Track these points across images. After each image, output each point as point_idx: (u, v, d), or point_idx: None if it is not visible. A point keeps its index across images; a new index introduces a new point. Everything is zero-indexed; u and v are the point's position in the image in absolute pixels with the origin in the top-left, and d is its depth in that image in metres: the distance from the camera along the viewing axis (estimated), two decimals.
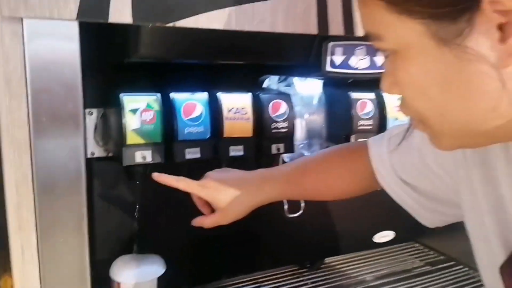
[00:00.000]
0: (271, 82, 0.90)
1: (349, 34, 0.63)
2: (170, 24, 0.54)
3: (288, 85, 0.90)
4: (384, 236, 1.12)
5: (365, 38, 0.45)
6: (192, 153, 0.75)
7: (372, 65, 0.75)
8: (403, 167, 0.62)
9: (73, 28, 0.52)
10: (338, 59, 0.72)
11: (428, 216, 0.63)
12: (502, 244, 0.48)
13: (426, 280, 1.05)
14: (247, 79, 0.84)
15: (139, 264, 0.76)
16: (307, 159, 0.75)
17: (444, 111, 0.41)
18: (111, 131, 0.72)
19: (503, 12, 0.35)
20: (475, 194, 0.51)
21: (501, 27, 0.36)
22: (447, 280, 1.05)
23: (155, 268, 0.76)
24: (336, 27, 0.62)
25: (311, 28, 0.60)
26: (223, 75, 0.80)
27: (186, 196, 0.74)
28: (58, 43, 0.52)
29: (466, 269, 1.09)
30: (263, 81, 0.88)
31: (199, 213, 0.81)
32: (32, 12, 0.49)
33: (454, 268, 1.10)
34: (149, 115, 0.71)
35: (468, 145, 0.47)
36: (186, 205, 0.87)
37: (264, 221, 0.96)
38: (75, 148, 0.55)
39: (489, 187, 0.49)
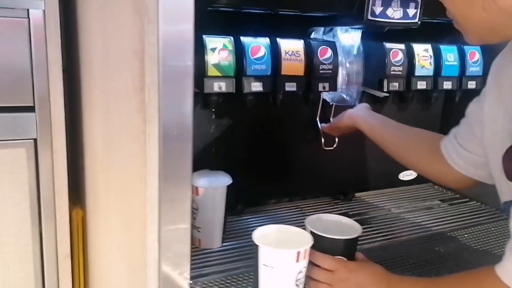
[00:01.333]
0: (316, 34, 1.07)
1: None
2: None
3: (332, 37, 1.06)
4: (408, 175, 1.29)
5: None
6: (256, 87, 0.93)
7: (405, 15, 0.91)
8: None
9: None
10: (378, 9, 0.88)
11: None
12: None
13: (442, 212, 1.21)
14: (299, 29, 1.01)
15: (212, 175, 0.95)
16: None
17: (461, 13, 0.62)
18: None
19: None
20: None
21: None
22: (461, 212, 1.22)
23: (225, 179, 0.94)
24: None
25: None
26: (281, 26, 0.97)
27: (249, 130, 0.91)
28: None
29: (479, 203, 1.25)
30: (311, 33, 1.05)
31: (258, 141, 1.02)
32: None
33: (468, 203, 1.27)
34: (224, 54, 0.89)
35: (492, 40, 0.65)
36: (251, 135, 1.06)
37: (305, 154, 1.14)
38: None
39: None
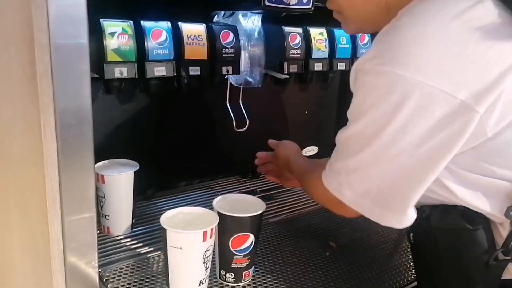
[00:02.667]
0: (218, 17, 1.08)
1: None
2: None
3: (233, 21, 1.08)
4: (310, 150, 1.37)
5: None
6: (160, 71, 0.93)
7: (299, 2, 0.96)
8: None
9: None
10: None
11: None
12: None
13: None
14: (200, 13, 1.02)
15: (119, 163, 0.95)
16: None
17: (355, 3, 0.69)
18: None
19: None
20: None
21: None
22: None
23: (131, 166, 0.94)
24: None
25: None
26: (182, 9, 0.97)
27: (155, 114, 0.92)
28: None
29: None
30: (213, 17, 1.06)
31: (166, 126, 1.02)
32: None
33: None
34: (124, 38, 0.87)
35: (367, 30, 0.73)
36: (158, 120, 1.06)
37: (213, 136, 1.17)
38: None
39: None
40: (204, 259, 0.73)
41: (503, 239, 0.60)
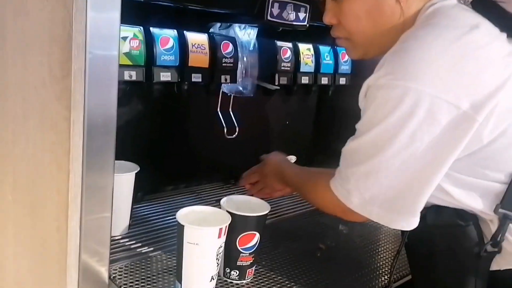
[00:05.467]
0: (214, 29, 1.13)
1: None
2: None
3: (228, 32, 1.14)
4: (290, 159, 1.44)
5: None
6: (165, 76, 0.96)
7: (297, 18, 1.04)
8: None
9: None
10: (275, 11, 0.99)
11: None
12: None
13: None
14: (200, 23, 1.07)
15: (119, 164, 0.96)
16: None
17: (365, 29, 0.75)
18: None
19: None
20: None
21: None
22: None
23: (132, 167, 0.96)
24: None
25: None
26: (185, 18, 1.01)
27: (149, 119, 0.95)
28: None
29: None
30: (210, 27, 1.11)
31: (157, 130, 1.04)
32: None
33: None
34: (135, 43, 0.90)
35: (371, 54, 0.79)
36: (150, 123, 1.08)
37: (201, 142, 1.21)
38: None
39: None
40: (217, 255, 0.77)
41: (491, 233, 0.69)
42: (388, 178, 0.67)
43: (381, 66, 0.68)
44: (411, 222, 0.68)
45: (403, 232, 0.75)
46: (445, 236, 0.71)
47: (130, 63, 0.90)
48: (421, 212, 0.70)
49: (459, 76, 0.63)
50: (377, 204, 0.68)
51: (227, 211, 0.81)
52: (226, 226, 0.77)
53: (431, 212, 0.72)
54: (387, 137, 0.66)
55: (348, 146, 0.72)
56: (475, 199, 0.68)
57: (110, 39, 0.67)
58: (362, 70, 0.89)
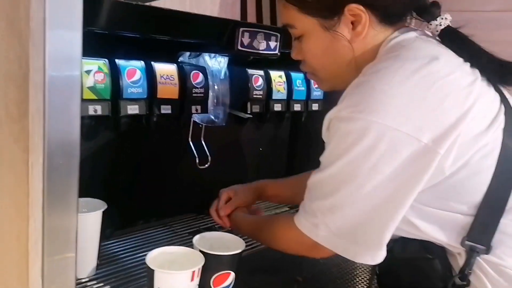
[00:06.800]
0: (183, 58, 1.11)
1: (259, 22, 0.89)
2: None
3: (197, 61, 1.12)
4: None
5: (263, 27, 0.74)
6: (133, 110, 0.93)
7: (268, 47, 1.03)
8: None
9: None
10: (246, 41, 0.98)
11: None
12: None
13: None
14: (168, 53, 1.04)
15: (85, 202, 0.92)
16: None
17: (326, 66, 0.76)
18: None
19: (353, 15, 0.70)
20: None
21: (353, 22, 0.71)
22: None
23: (99, 205, 0.92)
24: (250, 17, 0.87)
25: (236, 15, 0.84)
26: (149, 48, 0.99)
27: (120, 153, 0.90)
28: None
29: None
30: (179, 56, 1.09)
31: (125, 164, 1.00)
32: None
33: None
34: (100, 76, 0.87)
35: (339, 87, 0.78)
36: (117, 158, 1.04)
37: (171, 174, 1.17)
38: None
39: None
40: None
41: (459, 267, 0.68)
42: (353, 211, 0.66)
43: (342, 99, 0.68)
44: (377, 256, 0.67)
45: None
46: (412, 269, 0.70)
47: (95, 97, 0.86)
48: (388, 245, 0.69)
49: (419, 108, 0.63)
50: (343, 237, 0.67)
51: (200, 250, 0.78)
52: (199, 268, 0.73)
53: (398, 245, 0.71)
54: (350, 170, 0.65)
55: (312, 179, 0.71)
56: (441, 232, 0.68)
57: (72, 75, 0.64)
58: (334, 95, 0.89)
